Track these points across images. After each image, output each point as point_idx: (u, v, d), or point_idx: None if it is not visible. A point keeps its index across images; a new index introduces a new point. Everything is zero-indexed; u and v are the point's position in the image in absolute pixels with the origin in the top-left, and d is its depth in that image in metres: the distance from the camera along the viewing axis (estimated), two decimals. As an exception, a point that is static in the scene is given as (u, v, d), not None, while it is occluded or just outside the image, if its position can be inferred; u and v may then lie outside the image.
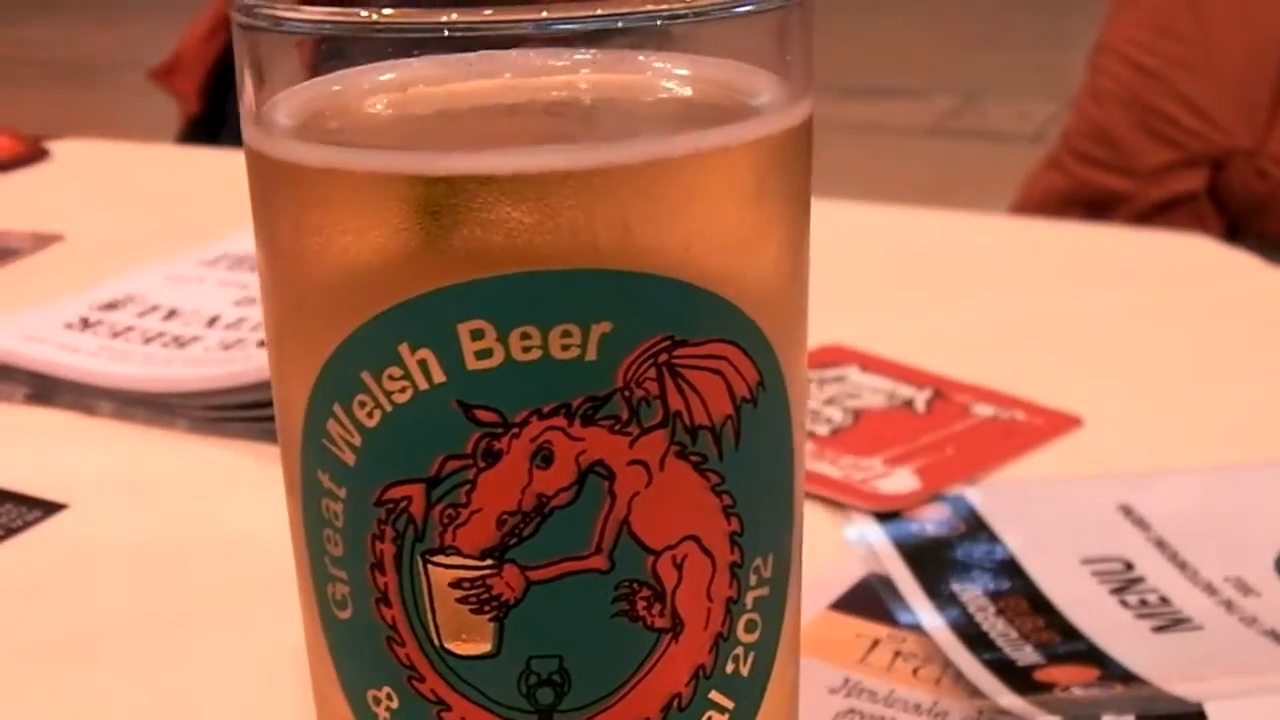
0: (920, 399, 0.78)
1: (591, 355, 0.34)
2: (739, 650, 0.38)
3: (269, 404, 0.74)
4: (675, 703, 0.38)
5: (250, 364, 0.77)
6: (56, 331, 0.85)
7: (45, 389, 0.81)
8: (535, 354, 0.34)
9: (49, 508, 0.70)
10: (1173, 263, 0.98)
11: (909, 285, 0.96)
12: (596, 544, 0.36)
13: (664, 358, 0.35)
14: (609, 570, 0.36)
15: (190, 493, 0.73)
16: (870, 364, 0.82)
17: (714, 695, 0.38)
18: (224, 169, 1.26)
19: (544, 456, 0.35)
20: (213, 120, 1.83)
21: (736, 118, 0.37)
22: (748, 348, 0.36)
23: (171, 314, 0.87)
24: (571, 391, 0.35)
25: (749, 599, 0.38)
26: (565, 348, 0.34)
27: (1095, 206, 1.43)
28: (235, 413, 0.77)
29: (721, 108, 0.38)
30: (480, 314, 0.34)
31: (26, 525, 0.69)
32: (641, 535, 0.36)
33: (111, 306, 0.88)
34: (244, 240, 0.95)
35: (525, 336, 0.34)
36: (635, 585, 0.36)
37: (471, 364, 0.35)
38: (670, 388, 0.35)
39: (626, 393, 0.35)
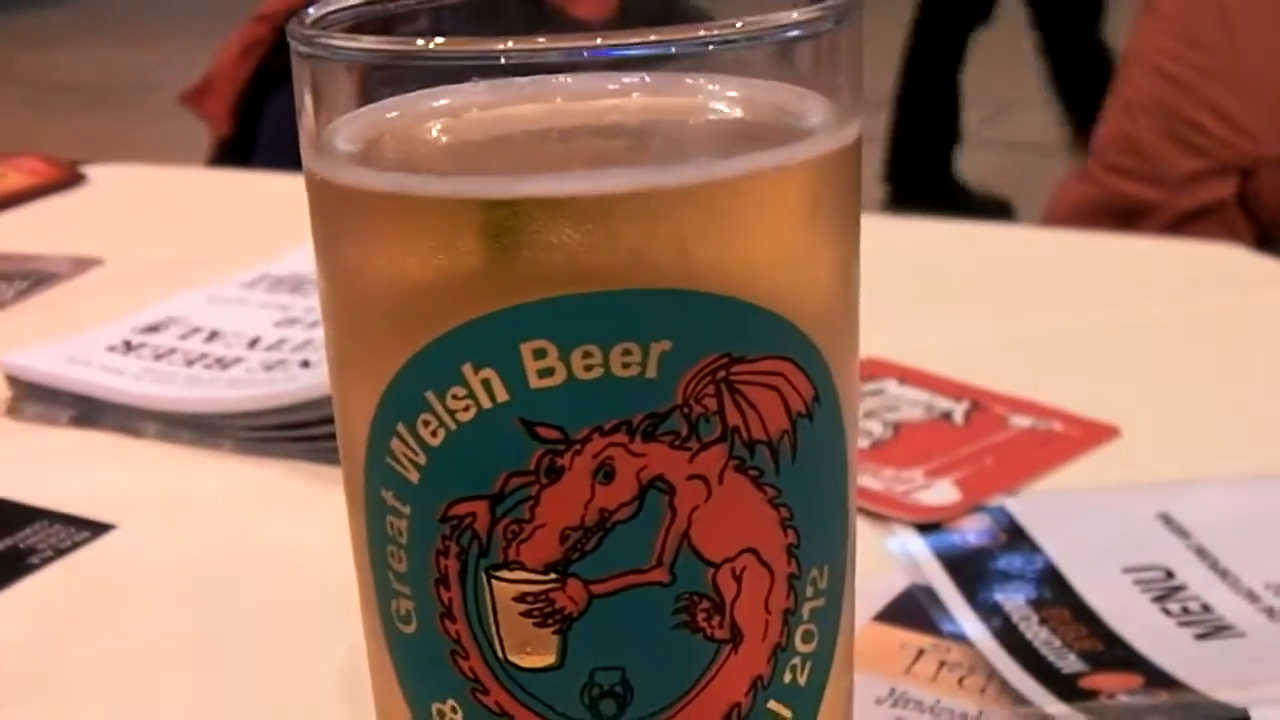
0: (958, 411, 0.78)
1: (652, 373, 0.35)
2: (796, 660, 0.39)
3: (312, 424, 0.76)
4: (735, 713, 0.38)
5: (293, 384, 0.78)
6: (100, 354, 0.86)
7: (90, 411, 0.82)
8: (597, 372, 0.35)
9: (97, 528, 0.71)
10: (1207, 272, 0.99)
11: (944, 298, 0.96)
12: (658, 557, 0.36)
13: (722, 374, 0.36)
14: (670, 583, 0.37)
15: (236, 512, 0.74)
16: (908, 376, 0.82)
17: (772, 705, 0.39)
18: (260, 192, 1.28)
19: (606, 472, 0.36)
20: (243, 142, 1.84)
21: (789, 139, 0.38)
22: (803, 364, 0.37)
23: (213, 336, 0.88)
24: (632, 408, 0.35)
25: (806, 610, 0.39)
26: (626, 366, 0.35)
27: (1125, 216, 1.43)
28: (279, 433, 0.77)
29: (773, 129, 0.39)
30: (542, 334, 0.35)
31: (76, 546, 0.70)
32: (701, 548, 0.37)
33: (154, 329, 0.89)
34: (283, 262, 0.96)
35: (587, 355, 0.35)
36: (695, 597, 0.37)
37: (534, 383, 0.35)
38: (729, 404, 0.36)
39: (686, 409, 0.36)
